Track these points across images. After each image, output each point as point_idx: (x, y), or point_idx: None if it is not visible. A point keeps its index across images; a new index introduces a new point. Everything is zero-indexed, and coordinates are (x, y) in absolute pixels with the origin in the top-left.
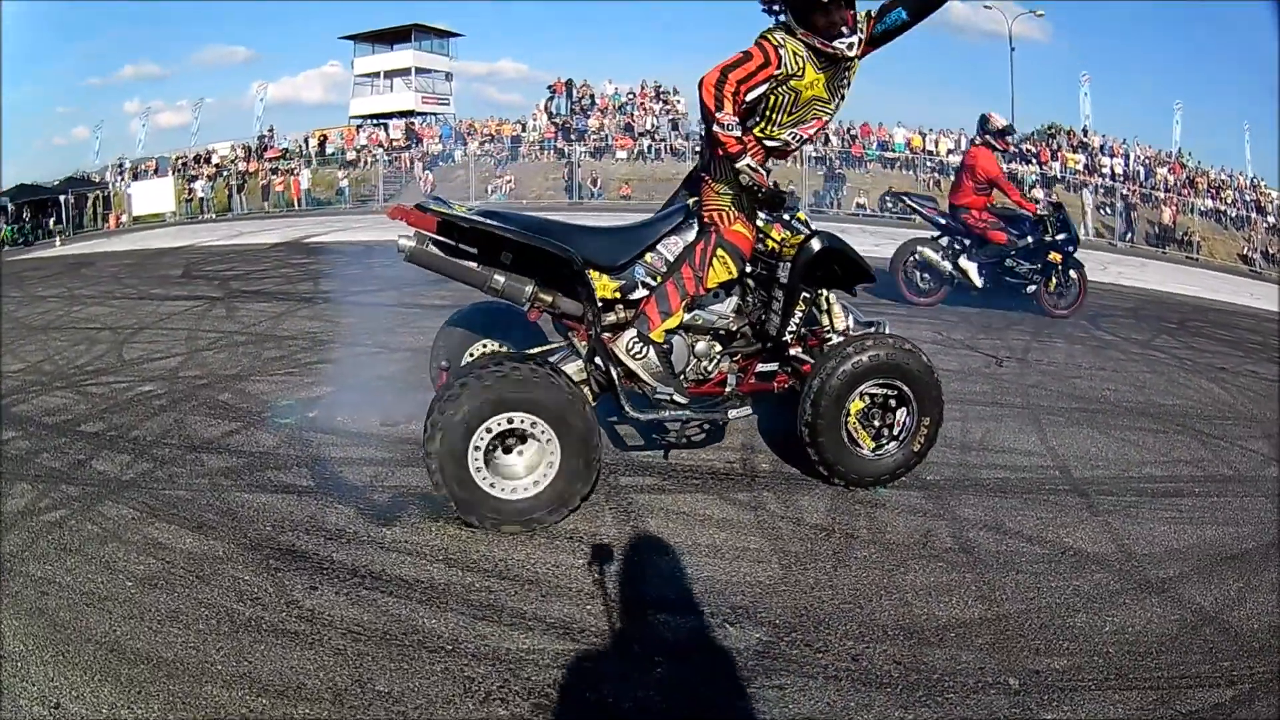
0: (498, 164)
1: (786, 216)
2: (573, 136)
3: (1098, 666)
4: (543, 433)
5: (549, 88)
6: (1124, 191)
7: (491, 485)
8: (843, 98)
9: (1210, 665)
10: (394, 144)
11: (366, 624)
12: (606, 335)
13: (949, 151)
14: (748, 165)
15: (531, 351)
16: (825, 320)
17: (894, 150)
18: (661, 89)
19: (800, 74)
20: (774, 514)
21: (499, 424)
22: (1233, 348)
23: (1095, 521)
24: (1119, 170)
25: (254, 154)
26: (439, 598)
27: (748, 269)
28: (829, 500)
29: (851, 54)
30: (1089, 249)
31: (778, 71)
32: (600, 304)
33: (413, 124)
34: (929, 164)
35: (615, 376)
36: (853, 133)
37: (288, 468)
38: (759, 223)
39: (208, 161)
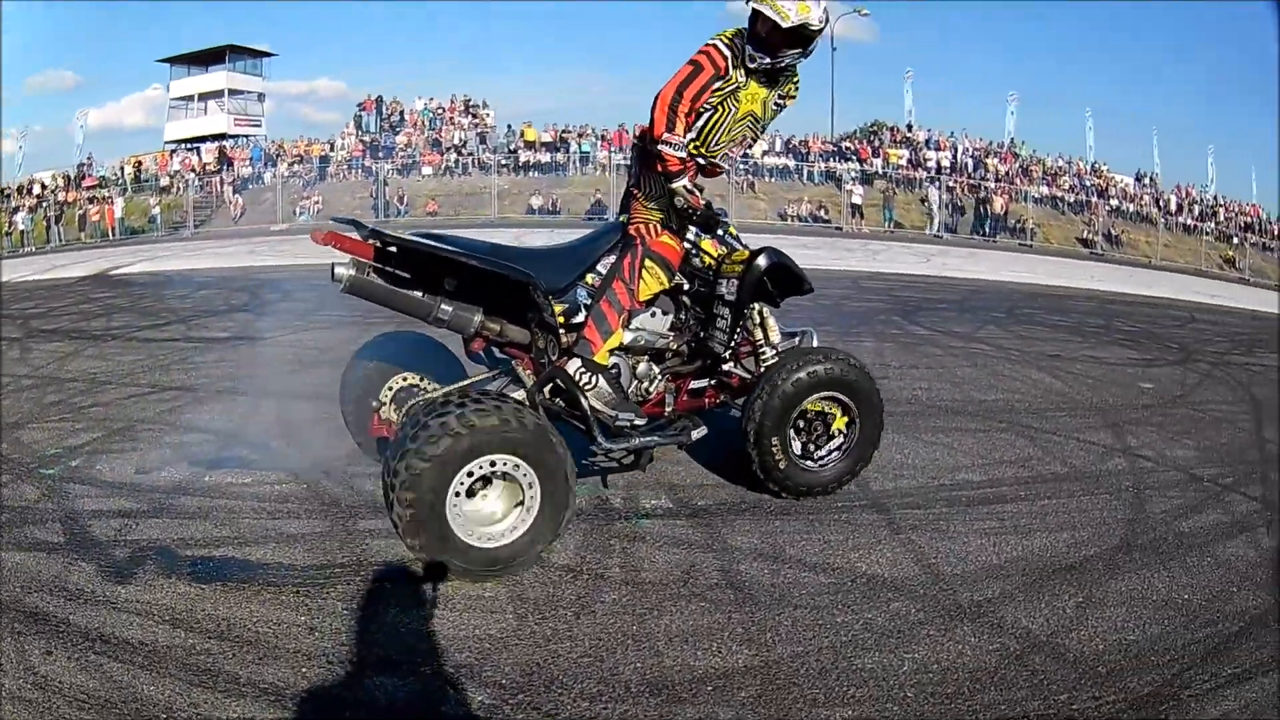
0: (306, 185)
1: (720, 232)
2: (380, 154)
3: (892, 714)
4: (524, 475)
5: (359, 106)
6: (950, 184)
7: (470, 533)
8: (770, 119)
9: (1041, 700)
10: (206, 168)
11: (92, 691)
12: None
13: (764, 154)
14: (684, 186)
15: (483, 385)
16: (759, 334)
17: None
18: (471, 102)
19: (746, 84)
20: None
21: (480, 466)
22: (1070, 333)
23: (895, 541)
24: (945, 163)
25: (73, 183)
26: (160, 662)
27: (685, 286)
28: (580, 537)
29: (764, 62)
30: (919, 242)
31: (725, 79)
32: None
33: (224, 147)
34: (742, 167)
35: (587, 406)
36: None
37: (44, 522)
38: (691, 237)
39: (29, 192)
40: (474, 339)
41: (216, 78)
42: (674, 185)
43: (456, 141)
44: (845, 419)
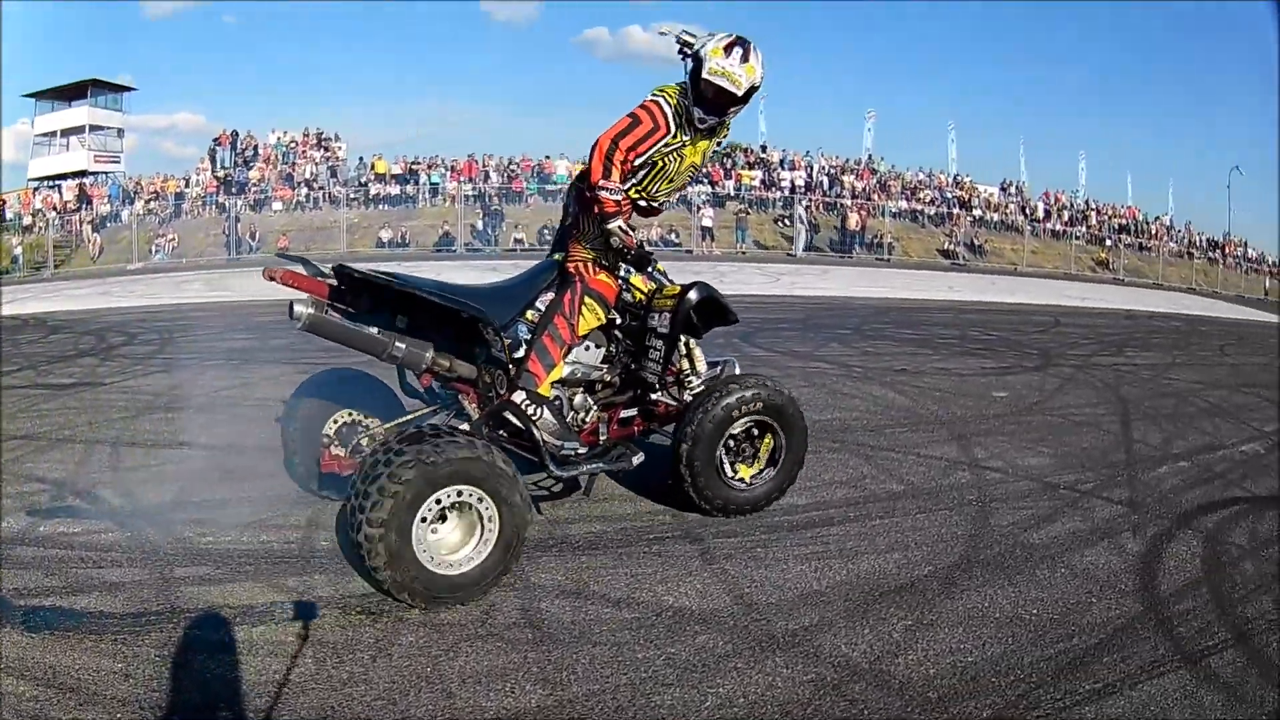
0: (161, 222)
1: (649, 269)
2: (234, 189)
3: None
4: (485, 506)
5: (214, 140)
6: (806, 202)
7: (431, 559)
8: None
9: None
10: (66, 206)
11: None
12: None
13: None
14: (619, 227)
15: (424, 420)
16: (685, 364)
17: (556, 182)
18: (323, 135)
19: (690, 140)
20: (321, 599)
21: (448, 495)
22: (920, 346)
23: (708, 571)
24: (800, 183)
25: None
26: None
27: (616, 320)
28: None
29: (703, 123)
30: (773, 262)
31: (667, 137)
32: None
33: (84, 184)
34: (589, 194)
35: (539, 438)
36: (512, 168)
37: None
38: (622, 274)
39: None
40: (424, 374)
41: (78, 113)
42: (609, 226)
43: (308, 175)
44: (772, 441)
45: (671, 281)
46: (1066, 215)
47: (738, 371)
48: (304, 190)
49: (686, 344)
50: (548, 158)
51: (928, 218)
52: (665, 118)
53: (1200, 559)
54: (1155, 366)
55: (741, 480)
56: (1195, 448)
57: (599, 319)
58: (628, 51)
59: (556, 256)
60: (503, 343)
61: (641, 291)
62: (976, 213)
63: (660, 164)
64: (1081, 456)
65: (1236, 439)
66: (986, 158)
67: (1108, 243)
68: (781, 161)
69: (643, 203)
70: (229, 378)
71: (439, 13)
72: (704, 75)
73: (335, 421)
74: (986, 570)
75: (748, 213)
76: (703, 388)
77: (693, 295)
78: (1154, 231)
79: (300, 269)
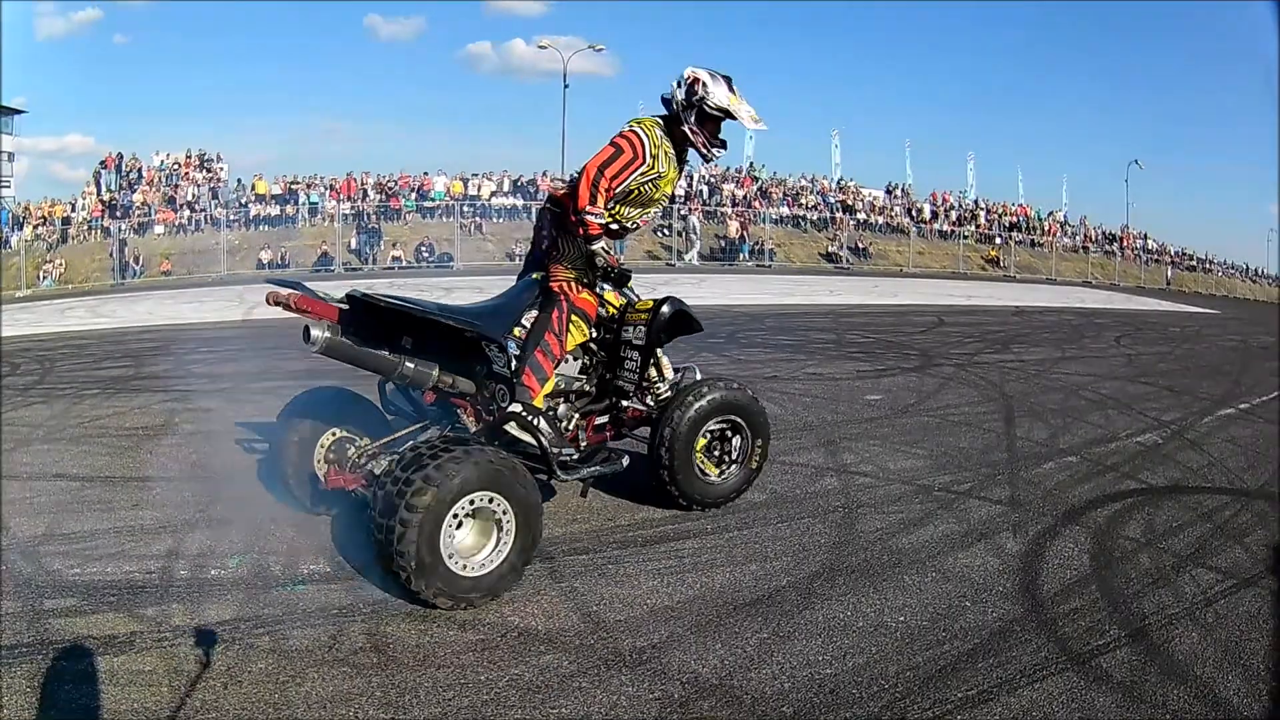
0: (49, 247)
1: (624, 286)
2: (119, 213)
3: None
4: (504, 513)
5: (100, 163)
6: (683, 211)
7: (451, 557)
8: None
9: None
10: None
11: None
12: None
13: (491, 195)
14: (601, 248)
15: (417, 434)
16: (653, 372)
17: (434, 198)
18: (205, 156)
19: (666, 172)
20: (177, 628)
21: (481, 499)
22: (794, 352)
23: (556, 590)
24: (680, 192)
25: None
26: None
27: (593, 334)
28: (235, 607)
29: (717, 157)
30: (651, 273)
31: (644, 167)
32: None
33: None
34: (468, 209)
35: (545, 446)
36: (391, 185)
37: None
38: (598, 291)
39: None
40: (428, 392)
41: None
42: (594, 247)
43: (190, 198)
44: (739, 437)
45: (639, 297)
46: (955, 215)
47: (699, 377)
48: (186, 213)
49: (654, 353)
50: (426, 174)
51: (810, 223)
52: (643, 149)
53: (1089, 555)
54: (1043, 362)
55: (715, 475)
56: (1084, 441)
57: (584, 335)
58: (511, 65)
59: (535, 276)
60: (507, 358)
61: (614, 306)
62: (861, 216)
63: (636, 191)
64: (959, 457)
65: (1131, 430)
66: (872, 162)
67: (997, 240)
68: None
69: (614, 225)
70: (103, 407)
71: (325, 28)
72: (740, 122)
73: (324, 442)
74: (850, 578)
75: None
76: (671, 393)
77: (666, 309)
78: (1047, 228)
79: (298, 293)
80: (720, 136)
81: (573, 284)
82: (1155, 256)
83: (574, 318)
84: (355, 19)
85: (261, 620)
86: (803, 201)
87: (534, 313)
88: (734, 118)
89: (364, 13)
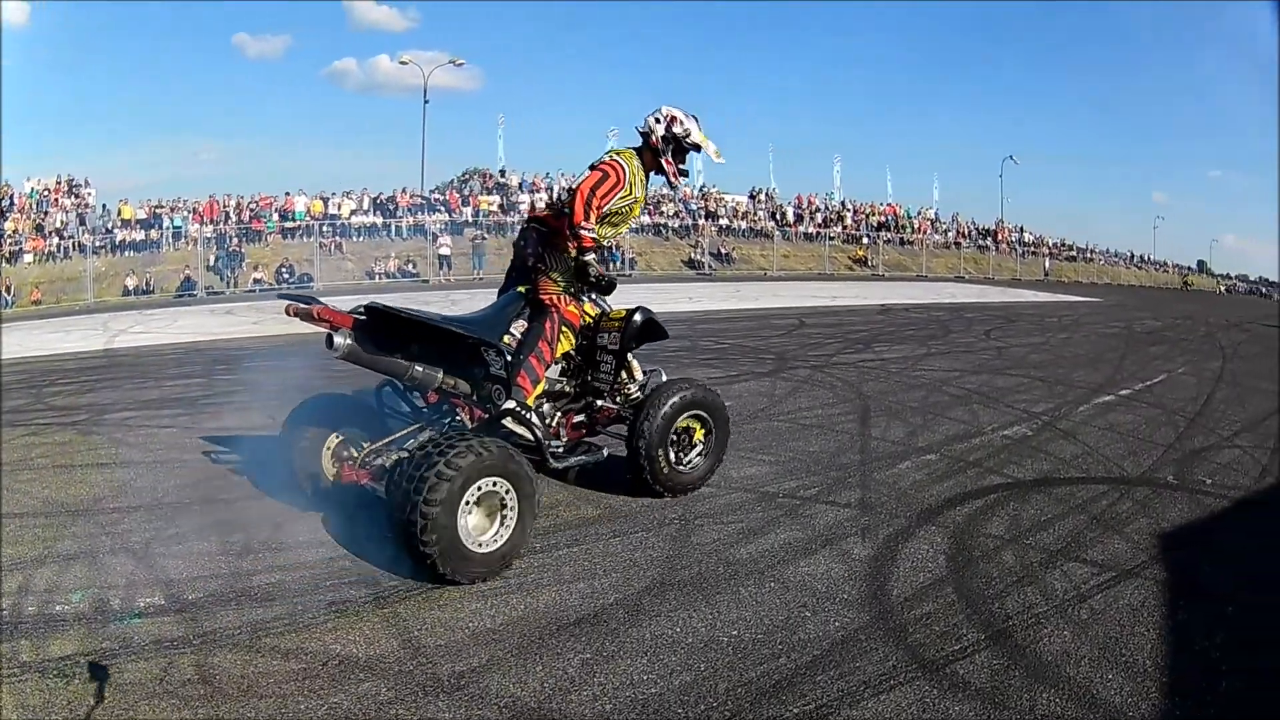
0: None
1: (594, 296)
2: None
3: None
4: (509, 495)
5: None
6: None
7: (467, 538)
8: None
9: None
10: None
11: None
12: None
13: (351, 213)
14: (593, 259)
15: (417, 434)
16: (624, 374)
17: (295, 218)
18: (74, 182)
19: (640, 197)
20: (25, 665)
21: (488, 485)
22: (644, 362)
23: (379, 616)
24: (540, 205)
25: None
26: None
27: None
28: (76, 642)
29: (682, 186)
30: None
31: (624, 191)
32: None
33: None
34: (329, 229)
35: (541, 439)
36: (253, 207)
37: None
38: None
39: None
40: (431, 393)
41: None
42: (587, 258)
43: (59, 224)
44: (704, 431)
45: (612, 308)
46: (821, 217)
47: (664, 379)
48: (54, 240)
49: (626, 357)
50: (288, 194)
51: (672, 230)
52: (625, 175)
53: (945, 556)
54: (906, 359)
55: (685, 466)
56: (945, 438)
57: (571, 344)
58: (376, 81)
59: (521, 290)
60: (504, 361)
61: (590, 316)
62: (724, 222)
63: (617, 215)
64: (808, 461)
65: (997, 424)
66: (736, 168)
67: (865, 240)
68: (521, 185)
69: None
70: None
71: (193, 47)
72: (702, 151)
73: (329, 445)
74: (681, 593)
75: (484, 239)
76: (642, 394)
77: (638, 317)
78: (917, 225)
79: (319, 304)
80: (683, 166)
81: (561, 297)
82: (1032, 249)
83: (564, 328)
84: (224, 38)
85: (101, 654)
86: (664, 210)
87: (522, 322)
88: (702, 150)
89: (233, 31)
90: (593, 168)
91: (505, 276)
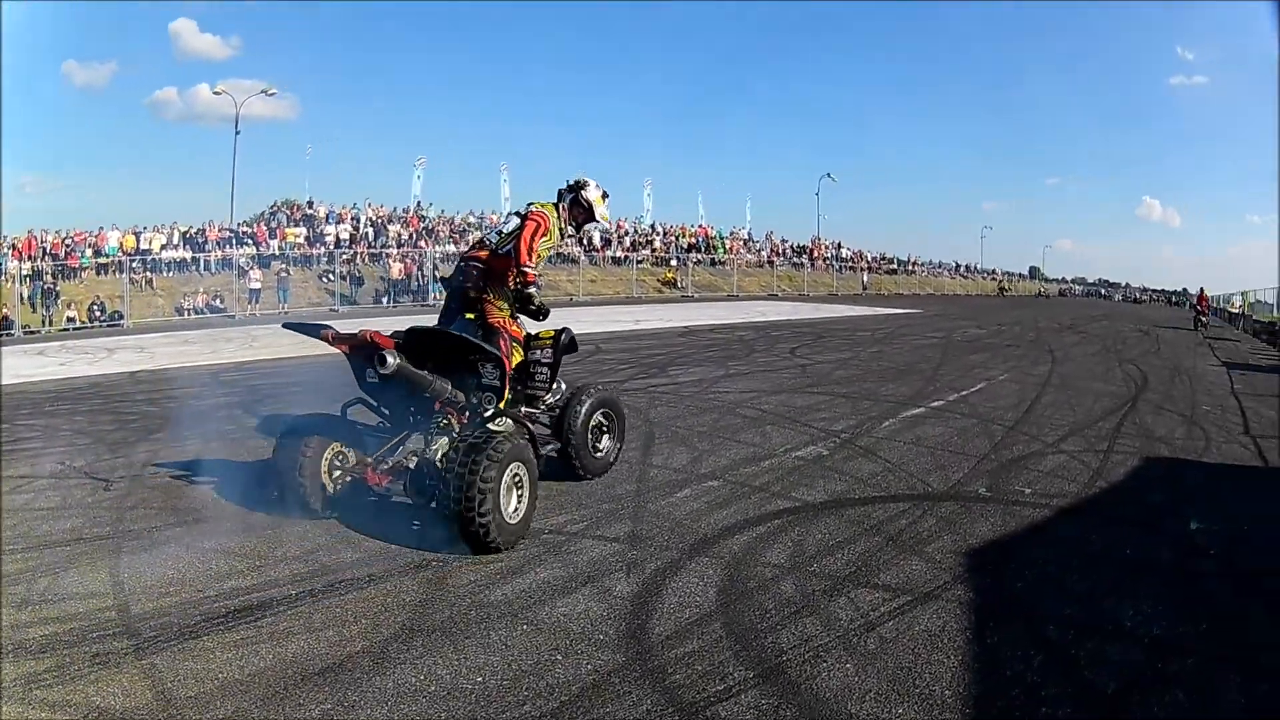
0: None
1: (522, 318)
2: None
3: None
4: (525, 476)
5: None
6: (346, 255)
7: (505, 509)
8: None
9: None
10: None
11: None
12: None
13: (162, 247)
14: (534, 291)
15: (411, 441)
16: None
17: (108, 254)
18: None
19: (558, 242)
20: None
21: (514, 468)
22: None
23: (137, 667)
24: (345, 236)
25: None
26: None
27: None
28: None
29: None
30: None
31: (548, 237)
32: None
33: None
34: (139, 264)
35: (535, 435)
36: (68, 244)
37: None
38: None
39: None
40: (438, 401)
41: None
42: (531, 290)
43: None
44: (609, 423)
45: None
46: (629, 241)
47: (563, 387)
48: None
49: (558, 367)
50: (101, 229)
51: None
52: (551, 224)
53: (716, 589)
54: (702, 382)
55: (601, 452)
56: (732, 463)
57: (521, 356)
58: (196, 111)
59: (470, 316)
60: (498, 373)
61: (523, 333)
62: None
63: (544, 252)
64: (579, 494)
65: (790, 445)
66: (546, 194)
67: (673, 262)
68: (328, 216)
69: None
70: None
71: (27, 74)
72: (601, 215)
73: (329, 453)
74: (430, 638)
75: (288, 272)
76: (563, 399)
77: (565, 336)
78: (729, 246)
79: (368, 329)
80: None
81: (506, 320)
82: (850, 264)
83: (514, 345)
84: (53, 66)
85: None
86: (469, 239)
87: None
88: (595, 210)
89: (62, 58)
90: (524, 218)
91: (444, 306)
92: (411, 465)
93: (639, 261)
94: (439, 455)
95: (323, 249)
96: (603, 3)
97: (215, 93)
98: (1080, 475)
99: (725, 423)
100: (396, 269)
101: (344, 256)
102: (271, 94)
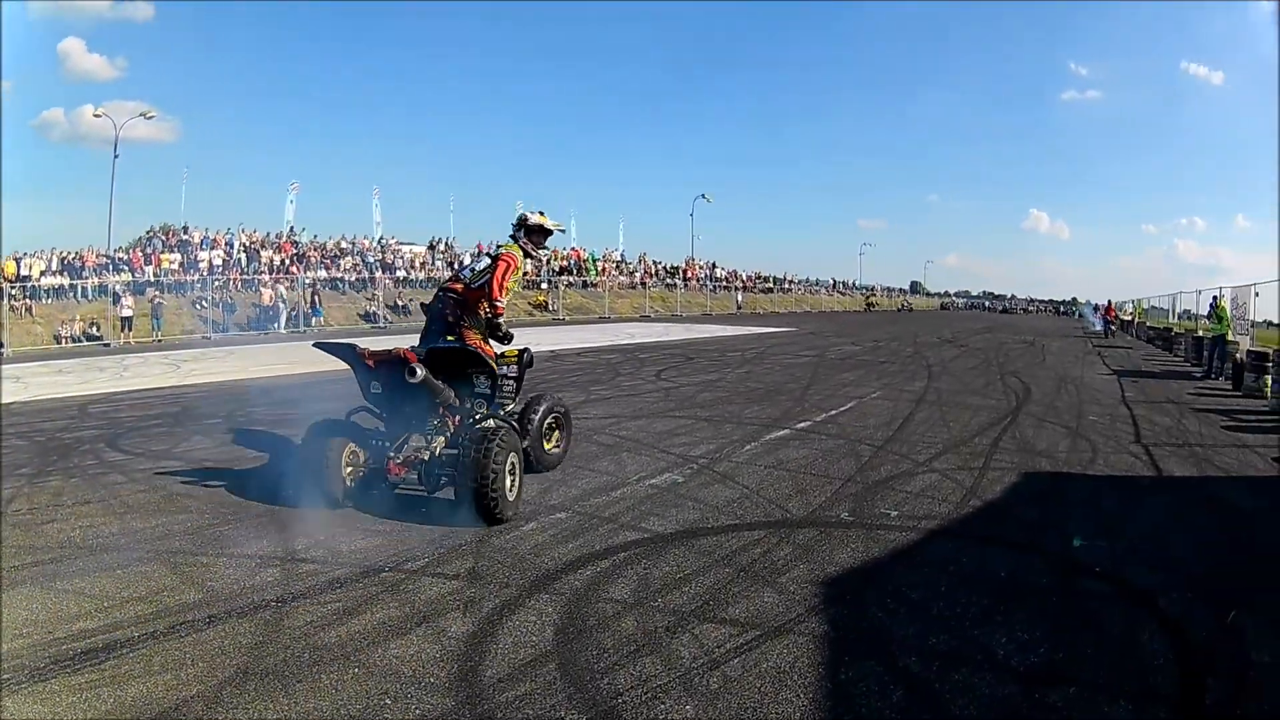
0: None
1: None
2: None
3: None
4: (518, 463)
5: None
6: (219, 281)
7: (508, 488)
8: None
9: None
10: None
11: None
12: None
13: (41, 274)
14: (503, 321)
15: (414, 441)
16: None
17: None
18: None
19: (530, 267)
20: None
21: (514, 456)
22: (273, 425)
23: None
24: (219, 262)
25: None
26: None
27: None
28: None
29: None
30: (189, 347)
31: (516, 274)
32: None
33: None
34: (19, 291)
35: (518, 433)
36: None
37: None
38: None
39: None
40: (442, 407)
41: None
42: (500, 321)
43: None
44: (558, 425)
45: (506, 348)
46: None
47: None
48: None
49: (523, 379)
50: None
51: (349, 284)
52: (519, 261)
53: (554, 628)
54: None
55: (552, 448)
56: (581, 493)
57: (495, 370)
58: (80, 133)
59: (450, 338)
60: (492, 383)
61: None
62: (401, 273)
63: (512, 284)
64: (423, 530)
65: (645, 472)
66: (417, 219)
67: (544, 285)
68: (202, 242)
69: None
70: None
71: None
72: (555, 231)
73: (346, 452)
74: (262, 682)
75: (162, 301)
76: (520, 406)
77: (526, 355)
78: (600, 268)
79: (402, 347)
80: (543, 246)
81: (480, 342)
82: (724, 283)
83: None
84: None
85: None
86: (341, 264)
87: None
88: (545, 225)
89: None
90: (494, 259)
91: (425, 329)
92: (426, 458)
93: None
94: (440, 450)
95: (197, 275)
96: (468, 18)
97: (95, 115)
98: (952, 495)
99: (579, 450)
100: (267, 295)
101: (216, 284)
102: (150, 117)
